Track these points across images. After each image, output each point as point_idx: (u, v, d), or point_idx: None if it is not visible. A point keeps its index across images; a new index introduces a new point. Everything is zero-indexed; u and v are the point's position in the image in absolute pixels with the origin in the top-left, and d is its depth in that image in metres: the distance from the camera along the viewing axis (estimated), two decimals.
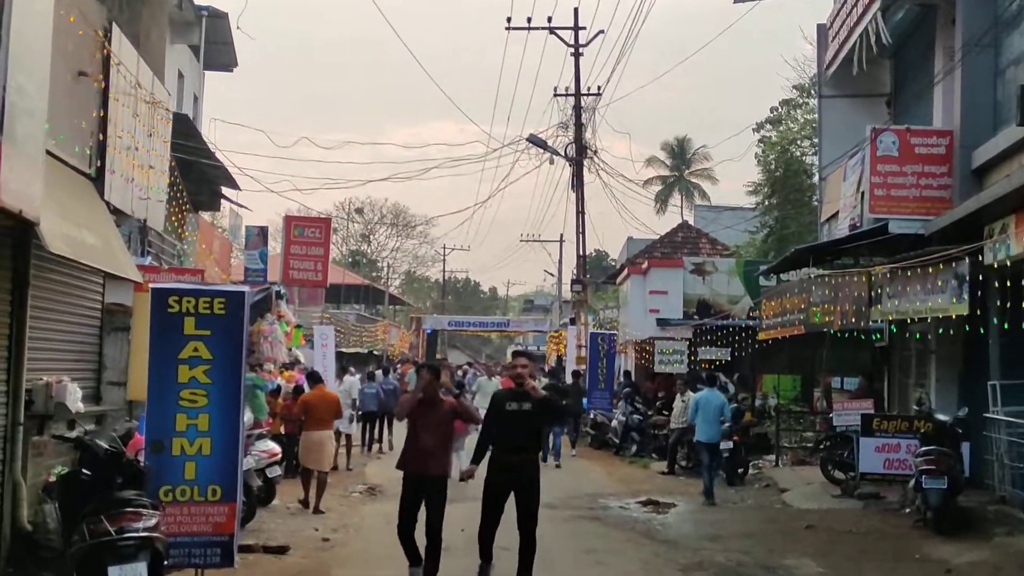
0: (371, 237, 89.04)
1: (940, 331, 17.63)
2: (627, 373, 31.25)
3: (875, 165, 17.77)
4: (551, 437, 23.01)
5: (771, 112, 40.26)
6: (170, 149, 16.89)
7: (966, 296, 15.15)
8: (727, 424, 18.74)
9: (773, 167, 36.29)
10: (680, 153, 72.24)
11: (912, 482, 14.36)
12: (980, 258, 14.87)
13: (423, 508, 10.69)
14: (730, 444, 20.08)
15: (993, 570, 11.60)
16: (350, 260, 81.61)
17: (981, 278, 15.00)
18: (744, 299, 28.84)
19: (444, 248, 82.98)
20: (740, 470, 20.65)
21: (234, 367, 9.65)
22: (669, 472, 21.87)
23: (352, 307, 61.55)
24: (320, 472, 16.10)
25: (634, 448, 25.29)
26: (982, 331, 15.33)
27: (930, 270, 15.86)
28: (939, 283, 15.76)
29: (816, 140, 35.42)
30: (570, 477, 21.25)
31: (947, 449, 14.16)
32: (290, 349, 19.42)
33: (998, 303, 14.83)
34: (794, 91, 39.65)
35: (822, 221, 23.15)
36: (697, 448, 18.93)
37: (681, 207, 69.19)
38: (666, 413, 24.66)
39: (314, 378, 17.57)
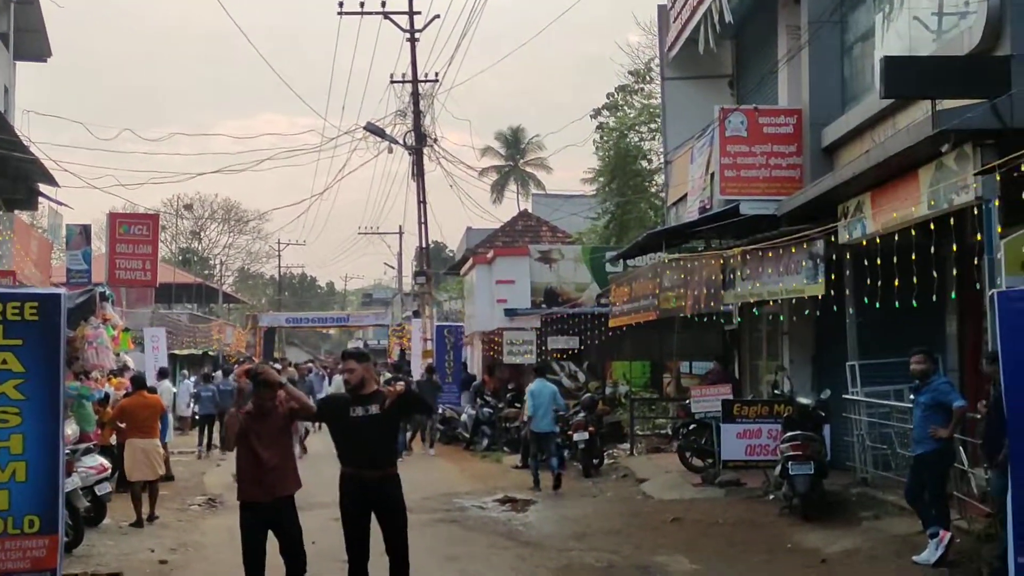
0: (202, 234, 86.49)
1: (793, 313, 17.47)
2: (463, 366, 30.51)
3: (724, 146, 17.47)
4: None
5: (608, 99, 40.19)
6: None
7: (821, 276, 14.96)
8: (559, 412, 18.76)
9: (612, 153, 36.13)
10: (515, 143, 72.03)
11: (777, 468, 14.03)
12: (834, 238, 14.69)
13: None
14: (585, 435, 19.67)
15: (868, 558, 11.29)
16: (180, 258, 78.96)
17: (835, 258, 14.82)
18: (592, 286, 28.47)
19: (279, 243, 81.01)
20: (596, 461, 20.19)
21: (51, 379, 8.50)
22: (523, 466, 21.22)
23: (184, 307, 59.45)
24: (149, 482, 14.97)
25: (485, 442, 24.64)
26: (836, 309, 15.10)
27: (784, 251, 15.63)
28: (794, 264, 15.55)
29: (654, 125, 35.64)
30: (422, 475, 20.40)
31: (812, 433, 13.87)
32: (118, 354, 18.06)
33: (854, 283, 14.66)
34: (630, 77, 39.66)
35: (669, 205, 22.88)
36: (532, 439, 18.85)
37: (517, 197, 69.05)
38: (518, 406, 24.10)
39: (137, 382, 16.35)
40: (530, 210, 46.88)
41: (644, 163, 36.05)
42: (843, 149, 16.18)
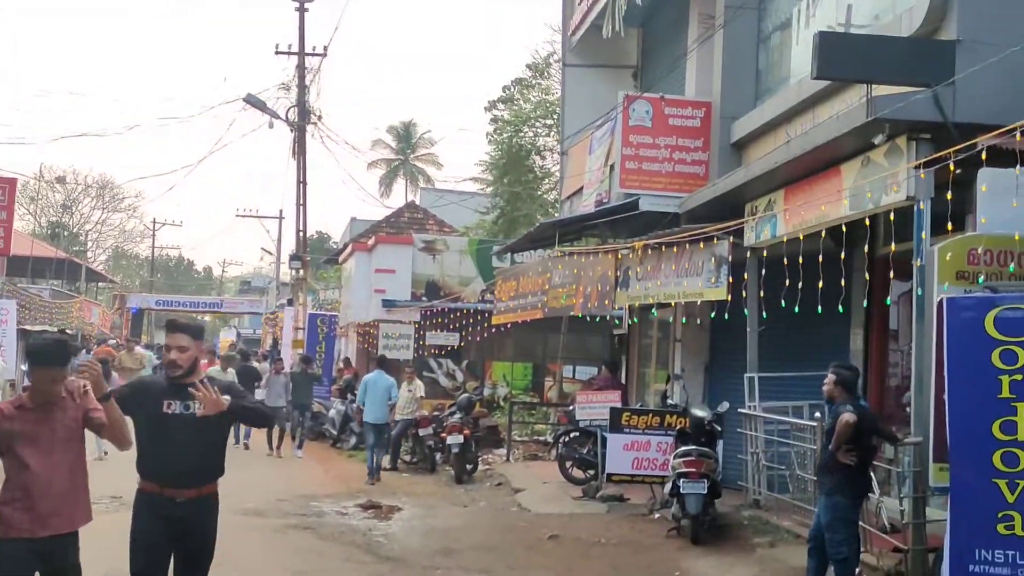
0: (74, 208, 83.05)
1: (688, 318, 16.38)
2: (306, 359, 27.76)
3: (627, 136, 16.28)
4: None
5: (503, 91, 39.12)
6: None
7: (724, 280, 13.86)
8: (392, 403, 19.26)
9: (506, 146, 34.97)
10: (406, 137, 71.01)
11: (667, 486, 12.84)
12: (735, 239, 13.63)
13: None
14: (460, 439, 18.40)
15: None
16: (49, 232, 75.65)
17: (735, 260, 13.76)
18: (476, 281, 27.10)
19: (154, 222, 78.08)
20: (470, 466, 18.85)
21: None
22: (392, 468, 19.85)
23: (49, 284, 56.37)
24: None
25: (353, 440, 22.93)
26: (728, 317, 14.01)
27: (685, 250, 14.51)
28: (695, 265, 14.45)
29: (550, 121, 34.54)
30: (281, 473, 18.92)
31: (708, 449, 12.71)
32: None
33: (757, 289, 13.60)
34: (527, 71, 38.65)
35: (563, 198, 21.64)
36: (364, 429, 19.32)
37: (406, 191, 67.82)
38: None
39: None
40: (418, 203, 45.41)
41: (537, 159, 34.94)
42: (754, 145, 15.12)
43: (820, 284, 11.26)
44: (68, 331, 43.55)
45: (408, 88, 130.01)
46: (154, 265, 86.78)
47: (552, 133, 34.61)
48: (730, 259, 13.81)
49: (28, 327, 35.79)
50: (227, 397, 6.50)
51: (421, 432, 19.94)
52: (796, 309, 12.12)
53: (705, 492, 12.12)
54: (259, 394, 23.37)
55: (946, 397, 6.64)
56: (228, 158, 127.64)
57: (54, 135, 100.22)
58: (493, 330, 23.83)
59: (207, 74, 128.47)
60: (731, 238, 13.79)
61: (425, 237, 28.53)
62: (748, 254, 13.69)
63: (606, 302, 16.75)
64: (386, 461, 20.17)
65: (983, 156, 8.62)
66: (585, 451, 16.61)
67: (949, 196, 8.82)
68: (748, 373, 13.76)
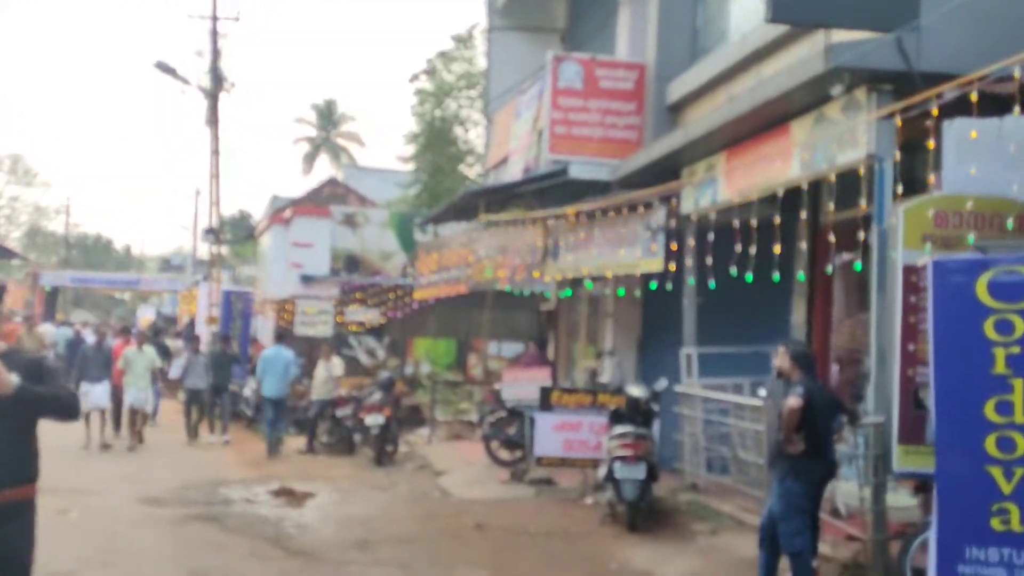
0: None
1: (618, 291, 15.55)
2: (225, 337, 26.09)
3: (556, 99, 15.37)
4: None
5: (427, 63, 37.84)
6: None
7: (660, 250, 13.03)
8: (294, 378, 19.79)
9: (429, 119, 33.79)
10: (328, 114, 69.63)
11: (602, 469, 11.96)
12: (676, 205, 12.80)
13: None
14: (380, 419, 17.42)
15: None
16: None
17: (671, 229, 12.94)
18: (398, 255, 26.07)
19: (68, 199, 75.83)
20: (390, 448, 17.87)
21: None
22: (308, 451, 18.81)
23: None
24: None
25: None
26: (670, 288, 13.20)
27: (618, 219, 13.65)
28: (628, 235, 13.60)
29: (474, 93, 33.46)
30: (187, 457, 17.78)
31: (645, 431, 11.84)
32: None
33: (695, 259, 12.77)
34: (453, 42, 37.42)
35: (489, 167, 20.66)
36: (264, 404, 19.19)
37: (329, 170, 66.45)
38: (306, 382, 21.58)
39: None
40: (340, 180, 44.12)
41: (461, 130, 33.85)
42: (691, 107, 14.29)
43: (756, 253, 10.52)
44: None
45: (331, 64, 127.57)
46: (69, 242, 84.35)
47: (476, 105, 33.56)
48: (667, 228, 13.01)
49: None
50: (14, 377, 4.85)
51: (339, 412, 18.93)
52: (734, 279, 11.32)
53: (643, 477, 11.27)
54: (175, 373, 22.21)
55: (931, 372, 5.78)
56: (147, 132, 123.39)
57: None
58: (415, 306, 22.83)
59: (118, 39, 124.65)
60: (669, 204, 12.99)
61: (345, 209, 27.43)
62: (686, 222, 12.87)
63: (534, 274, 15.87)
64: (302, 444, 19.16)
65: (943, 109, 7.84)
66: (512, 432, 15.69)
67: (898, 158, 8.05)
68: (685, 349, 12.97)
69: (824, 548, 8.94)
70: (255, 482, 15.16)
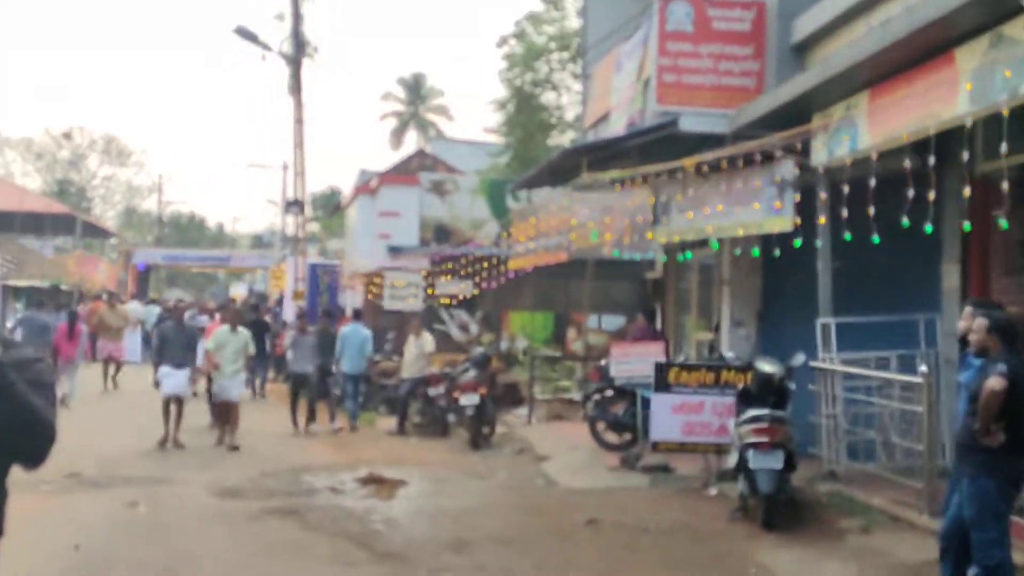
0: (81, 165, 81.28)
1: (735, 257, 14.06)
2: (329, 313, 24.46)
3: (664, 43, 13.86)
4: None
5: (515, 26, 36.40)
6: None
7: (788, 207, 11.50)
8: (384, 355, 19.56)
9: (518, 83, 32.37)
10: (416, 88, 68.70)
11: (732, 457, 10.50)
12: (802, 156, 11.28)
13: None
14: (476, 398, 16.19)
15: None
16: (56, 189, 73.85)
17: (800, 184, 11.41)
18: (490, 224, 24.71)
19: (160, 177, 76.02)
20: (486, 429, 16.59)
21: None
22: (399, 432, 17.65)
23: (53, 240, 53.86)
24: None
25: (360, 399, 20.46)
26: (796, 244, 11.64)
27: (738, 175, 12.13)
28: (751, 192, 12.09)
29: (567, 55, 31.96)
30: (273, 441, 16.59)
31: (782, 413, 10.33)
32: None
33: (829, 218, 11.23)
34: (543, 3, 35.95)
35: (587, 127, 19.16)
36: (343, 380, 18.38)
37: (417, 145, 65.54)
38: (396, 359, 20.36)
39: None
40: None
41: (552, 96, 32.39)
42: (822, 44, 12.71)
43: (899, 209, 9.00)
44: (63, 287, 41.42)
45: (415, 31, 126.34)
46: (162, 220, 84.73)
47: (569, 68, 32.06)
48: (796, 183, 11.48)
49: (14, 283, 33.73)
50: None
51: (431, 392, 17.71)
52: (871, 240, 9.80)
53: (781, 466, 9.79)
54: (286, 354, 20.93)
55: None
56: (232, 108, 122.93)
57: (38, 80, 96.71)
58: (510, 276, 21.50)
59: (194, 7, 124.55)
60: (796, 156, 11.47)
61: (433, 176, 26.15)
62: (816, 175, 11.32)
63: (648, 236, 14.42)
64: (392, 424, 17.98)
65: None
66: (621, 412, 14.29)
67: None
68: (821, 319, 11.41)
69: (1018, 558, 7.38)
70: (341, 468, 13.98)
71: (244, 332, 16.62)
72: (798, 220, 11.39)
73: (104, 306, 25.12)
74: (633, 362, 13.46)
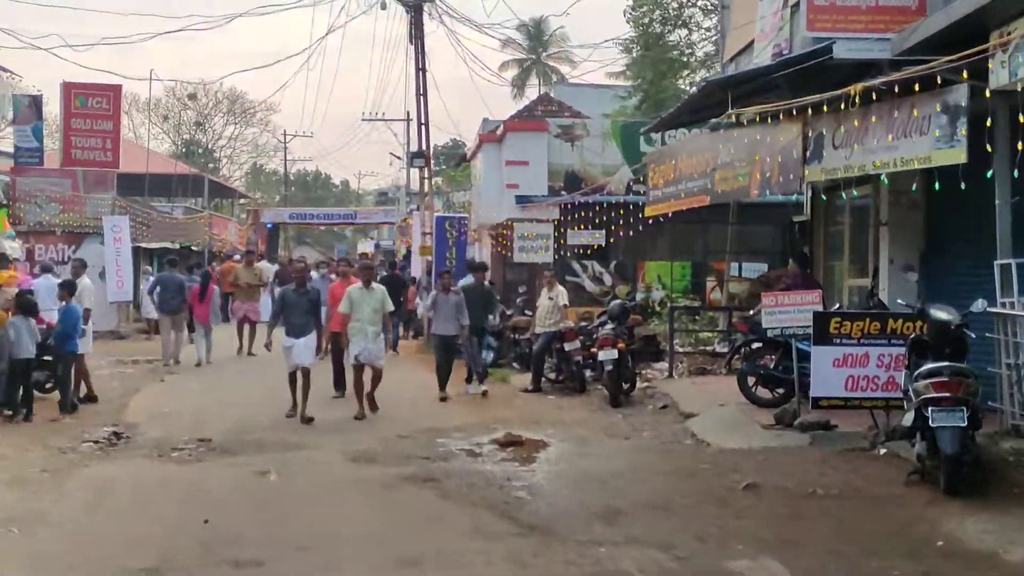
0: (207, 125, 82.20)
1: (894, 196, 12.91)
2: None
3: None
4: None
5: None
6: None
7: (961, 137, 10.33)
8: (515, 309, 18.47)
9: (647, 21, 31.23)
10: (537, 35, 67.61)
11: (908, 415, 9.48)
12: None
13: None
14: (614, 353, 15.38)
15: None
16: (183, 150, 74.87)
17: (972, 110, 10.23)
18: (622, 169, 23.69)
19: (284, 135, 76.46)
20: (627, 385, 15.79)
21: None
22: (535, 389, 16.94)
23: (183, 201, 54.55)
24: None
25: (490, 356, 19.59)
26: (963, 187, 10.48)
27: (902, 104, 10.99)
28: (917, 122, 10.92)
29: None
30: (406, 402, 15.96)
31: (965, 366, 9.27)
32: None
33: (1007, 148, 10.07)
34: None
35: (726, 61, 18.03)
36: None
37: (539, 91, 64.47)
38: (529, 313, 19.61)
39: None
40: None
41: (682, 32, 31.19)
42: None
43: None
44: (193, 247, 41.71)
45: None
46: (287, 178, 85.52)
47: (700, 2, 30.81)
48: (969, 109, 10.31)
49: (146, 245, 33.90)
50: None
51: (567, 346, 16.91)
52: None
53: (965, 424, 8.76)
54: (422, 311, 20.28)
55: None
56: (350, 60, 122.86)
57: (152, 32, 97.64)
58: (647, 225, 20.57)
59: None
60: (968, 80, 10.29)
61: (561, 121, 25.16)
62: (992, 100, 10.13)
63: (790, 180, 13.33)
64: (528, 381, 17.26)
65: None
66: (772, 365, 13.33)
67: None
68: (1000, 259, 10.28)
69: None
70: (478, 429, 13.34)
71: (380, 288, 14.93)
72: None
73: (239, 266, 24.91)
74: (787, 312, 12.44)
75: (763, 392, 13.55)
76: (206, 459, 11.49)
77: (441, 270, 19.82)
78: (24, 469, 10.74)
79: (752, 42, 15.53)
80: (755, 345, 13.90)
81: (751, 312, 14.56)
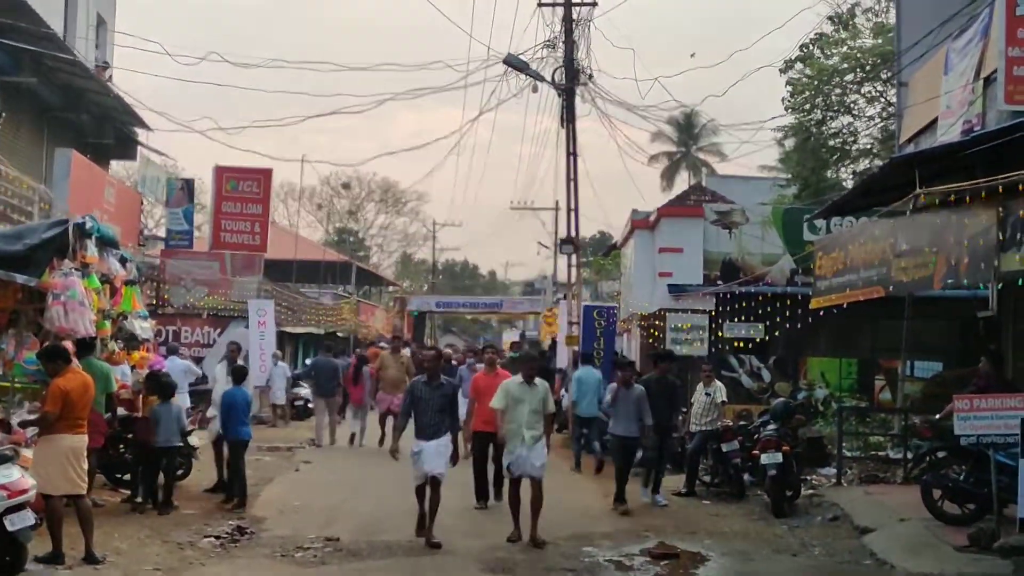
0: (359, 214, 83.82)
1: None
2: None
3: (1013, 31, 11.61)
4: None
5: (801, 50, 33.96)
6: None
7: None
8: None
9: (808, 107, 29.94)
10: (687, 128, 67.10)
11: None
12: None
13: None
14: (778, 457, 14.01)
15: None
16: (335, 238, 76.25)
17: None
18: (783, 258, 22.33)
19: (434, 224, 77.12)
20: (790, 493, 14.37)
21: None
22: (688, 492, 15.63)
23: (332, 287, 54.86)
24: (77, 499, 10.02)
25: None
26: None
27: None
28: None
29: (861, 75, 29.37)
30: (549, 502, 14.73)
31: None
32: (116, 317, 13.13)
33: None
34: (828, 23, 33.42)
35: (902, 141, 16.72)
36: (576, 422, 18.73)
37: (689, 184, 63.67)
38: (683, 410, 18.29)
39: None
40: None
41: (850, 118, 29.79)
42: None
43: None
44: (339, 333, 41.55)
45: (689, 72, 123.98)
46: (435, 266, 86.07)
47: (862, 87, 29.42)
48: None
49: (290, 329, 33.75)
50: None
51: (725, 447, 15.60)
52: None
53: None
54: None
55: None
56: (499, 149, 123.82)
57: (301, 116, 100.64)
58: (809, 318, 19.19)
59: (460, 41, 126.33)
60: None
61: (719, 207, 24.00)
62: None
63: (984, 266, 11.90)
64: (681, 482, 15.94)
65: None
66: (963, 477, 11.83)
67: None
68: None
69: None
70: (627, 537, 12.17)
71: (543, 385, 12.24)
72: None
73: (385, 352, 24.01)
74: (984, 417, 10.97)
75: (950, 507, 12.03)
76: (330, 561, 10.56)
77: (623, 361, 17.37)
78: (136, 566, 9.94)
79: (935, 120, 14.24)
80: (940, 454, 12.43)
81: (937, 416, 13.07)
